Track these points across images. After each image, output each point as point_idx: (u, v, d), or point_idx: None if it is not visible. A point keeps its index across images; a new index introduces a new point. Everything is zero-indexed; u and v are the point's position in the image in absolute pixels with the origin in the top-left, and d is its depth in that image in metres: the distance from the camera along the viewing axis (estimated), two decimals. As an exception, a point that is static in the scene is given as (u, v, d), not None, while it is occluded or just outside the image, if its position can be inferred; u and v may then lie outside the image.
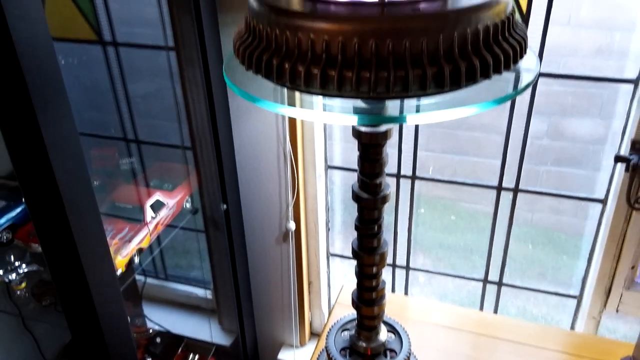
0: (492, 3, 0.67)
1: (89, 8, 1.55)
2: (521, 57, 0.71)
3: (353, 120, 0.70)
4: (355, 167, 0.90)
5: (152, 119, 1.72)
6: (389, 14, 0.65)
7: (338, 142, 1.68)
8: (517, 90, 0.73)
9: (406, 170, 1.56)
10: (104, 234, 1.02)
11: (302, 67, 0.66)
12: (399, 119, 0.72)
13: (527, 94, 1.36)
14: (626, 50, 1.66)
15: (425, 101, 0.69)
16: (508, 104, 1.40)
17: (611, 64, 1.82)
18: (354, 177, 1.58)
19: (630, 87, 1.25)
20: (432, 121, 0.68)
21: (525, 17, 1.23)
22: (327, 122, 1.50)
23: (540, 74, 1.28)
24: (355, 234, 0.98)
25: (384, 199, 0.93)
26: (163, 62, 1.53)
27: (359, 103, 0.74)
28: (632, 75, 1.25)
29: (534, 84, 1.17)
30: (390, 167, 1.55)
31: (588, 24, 1.75)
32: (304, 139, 1.51)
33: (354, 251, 0.98)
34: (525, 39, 0.73)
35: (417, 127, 1.46)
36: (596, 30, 1.80)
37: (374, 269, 0.98)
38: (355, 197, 0.93)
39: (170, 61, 1.50)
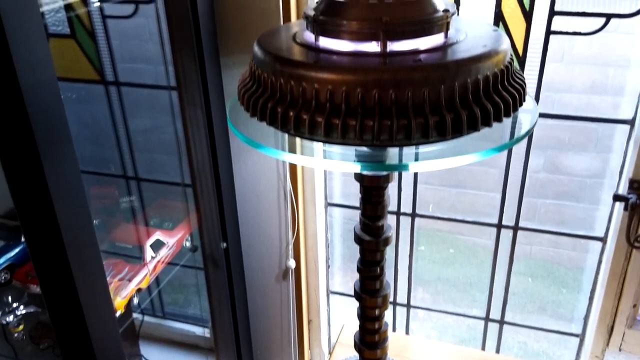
0: (492, 53, 0.69)
1: (91, 49, 1.57)
2: (520, 104, 0.73)
3: (355, 168, 0.71)
4: (355, 203, 0.91)
5: (152, 156, 1.73)
6: (391, 65, 0.66)
7: (338, 177, 1.69)
8: (517, 138, 0.74)
9: (406, 207, 1.56)
10: (105, 275, 1.01)
11: (306, 116, 0.67)
12: (401, 167, 0.73)
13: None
14: (620, 86, 1.69)
15: (427, 148, 0.70)
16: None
17: (606, 99, 1.85)
18: (353, 213, 1.58)
19: (627, 127, 1.27)
20: (434, 169, 0.69)
21: (522, 58, 1.25)
22: (330, 169, 1.51)
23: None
24: (356, 272, 0.98)
25: (386, 241, 0.93)
26: (165, 101, 1.55)
27: (361, 148, 0.75)
28: (628, 114, 1.27)
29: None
30: (390, 204, 1.56)
31: (582, 60, 1.79)
32: (304, 176, 1.52)
33: (356, 293, 0.98)
34: (524, 86, 0.74)
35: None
36: (590, 67, 1.83)
37: (377, 311, 0.98)
38: (358, 239, 0.93)
39: (172, 100, 1.52)
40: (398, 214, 1.57)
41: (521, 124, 0.80)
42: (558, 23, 1.20)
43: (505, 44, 0.73)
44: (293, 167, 1.48)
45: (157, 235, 1.34)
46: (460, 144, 0.70)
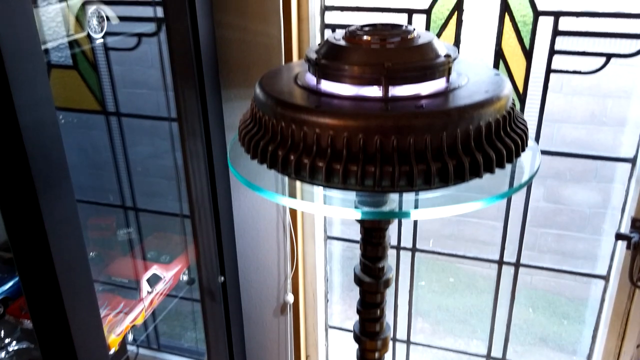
0: (494, 99, 0.69)
1: (94, 80, 1.58)
2: (523, 149, 0.72)
3: (356, 215, 0.70)
4: (355, 236, 0.90)
5: (151, 187, 1.73)
6: (393, 111, 0.66)
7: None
8: (519, 185, 0.73)
9: (406, 241, 1.55)
10: (99, 313, 1.00)
11: (307, 160, 0.67)
12: (402, 215, 0.72)
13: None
14: (620, 118, 1.69)
15: (428, 194, 0.69)
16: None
17: (605, 130, 1.85)
18: (352, 247, 1.57)
19: (628, 165, 1.27)
20: (436, 217, 0.68)
21: (522, 95, 1.26)
22: (330, 215, 1.50)
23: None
24: (356, 303, 0.96)
25: (387, 283, 0.91)
26: (165, 132, 1.54)
27: (362, 194, 0.74)
28: (629, 151, 1.26)
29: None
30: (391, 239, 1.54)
31: (581, 91, 1.79)
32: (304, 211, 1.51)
33: (355, 335, 0.96)
34: (526, 132, 0.74)
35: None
36: (589, 98, 1.84)
37: (376, 354, 0.96)
38: (358, 281, 0.92)
39: (172, 131, 1.52)
40: (398, 248, 1.55)
41: (523, 167, 0.79)
42: (558, 61, 1.21)
43: (507, 89, 0.73)
44: (293, 201, 1.47)
45: (154, 269, 1.32)
46: (461, 190, 0.69)
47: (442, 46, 0.75)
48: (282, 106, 0.70)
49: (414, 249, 1.54)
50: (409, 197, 0.72)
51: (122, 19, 1.49)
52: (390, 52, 0.71)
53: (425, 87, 0.72)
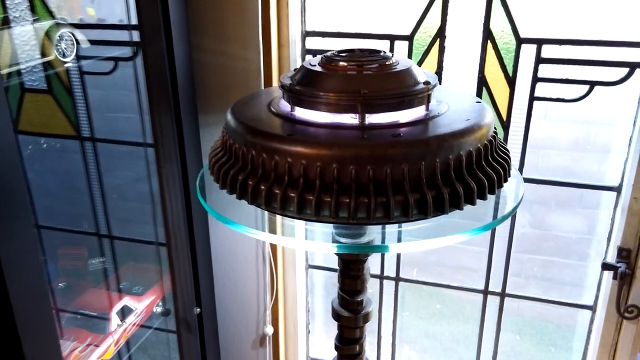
0: (475, 128, 0.66)
1: (68, 104, 1.54)
2: (505, 180, 0.69)
3: (332, 250, 0.66)
4: (337, 266, 0.85)
5: (126, 214, 1.67)
6: (369, 140, 0.62)
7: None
8: (503, 216, 0.70)
9: (389, 270, 1.51)
10: (59, 348, 0.94)
11: (278, 190, 0.63)
12: (381, 249, 0.68)
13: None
14: (605, 145, 1.68)
15: (408, 227, 0.65)
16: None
17: (590, 157, 1.84)
18: (336, 275, 1.52)
19: (613, 194, 1.25)
20: (417, 250, 0.65)
21: (506, 123, 1.24)
22: (304, 249, 1.46)
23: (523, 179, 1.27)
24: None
25: (366, 317, 0.87)
26: (141, 158, 1.50)
27: (341, 227, 0.70)
28: (614, 180, 1.24)
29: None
30: (372, 267, 1.51)
31: (564, 118, 1.78)
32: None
33: (333, 374, 0.91)
34: (508, 161, 0.71)
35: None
36: (573, 124, 1.83)
37: (355, 393, 0.91)
38: (335, 315, 0.87)
39: (147, 157, 1.48)
40: (381, 277, 1.51)
41: (506, 197, 0.76)
42: (542, 89, 1.19)
43: (489, 117, 0.70)
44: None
45: (126, 301, 1.27)
46: (442, 222, 0.66)
47: (422, 73, 0.72)
48: (253, 134, 0.66)
49: (397, 278, 1.50)
50: (390, 229, 0.68)
51: (98, 42, 1.46)
52: (367, 79, 0.68)
53: (404, 115, 0.69)
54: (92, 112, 1.54)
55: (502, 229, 1.39)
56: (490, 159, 0.68)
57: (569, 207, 2.11)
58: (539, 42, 1.16)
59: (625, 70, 1.12)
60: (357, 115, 0.66)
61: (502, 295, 1.43)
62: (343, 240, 0.81)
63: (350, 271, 0.83)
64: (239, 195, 0.66)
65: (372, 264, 1.52)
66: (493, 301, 1.46)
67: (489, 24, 1.17)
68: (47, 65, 1.34)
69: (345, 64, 0.70)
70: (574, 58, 1.15)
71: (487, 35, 1.18)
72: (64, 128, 1.57)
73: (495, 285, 1.43)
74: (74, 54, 1.16)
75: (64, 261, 1.38)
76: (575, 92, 1.18)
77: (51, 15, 1.24)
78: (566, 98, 1.19)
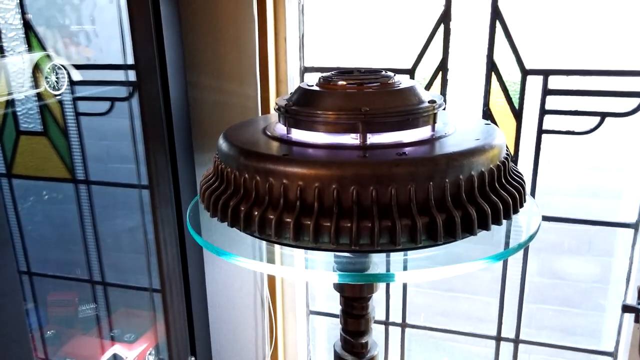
0: (486, 147, 0.61)
1: (64, 146, 1.50)
2: (521, 205, 0.63)
3: (332, 278, 0.60)
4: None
5: (121, 260, 1.61)
6: (371, 158, 0.57)
7: (320, 284, 1.56)
8: (522, 243, 0.64)
9: (395, 316, 1.42)
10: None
11: (273, 215, 0.57)
12: (386, 278, 0.62)
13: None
14: (613, 189, 1.62)
15: (415, 255, 0.59)
16: (500, 235, 1.32)
17: (596, 202, 1.78)
18: (338, 322, 1.44)
19: (629, 231, 1.18)
20: (426, 279, 0.58)
21: (513, 158, 1.19)
22: (303, 279, 1.39)
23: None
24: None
25: (371, 362, 0.79)
26: (135, 201, 1.45)
27: (340, 257, 0.64)
28: (630, 217, 1.18)
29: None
30: (377, 313, 1.42)
31: (571, 162, 1.73)
32: (283, 281, 1.39)
33: None
34: (523, 185, 0.65)
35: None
36: (580, 169, 1.78)
37: None
38: (338, 359, 0.80)
39: (142, 200, 1.43)
40: (387, 323, 1.42)
41: (521, 225, 0.71)
42: (550, 122, 1.15)
43: (500, 138, 0.65)
44: (272, 272, 1.36)
45: (116, 349, 1.19)
46: (450, 251, 0.60)
47: (426, 93, 0.68)
48: (246, 156, 0.61)
49: (403, 324, 1.41)
50: (395, 257, 0.62)
51: (94, 83, 1.44)
52: (368, 96, 0.64)
53: (408, 135, 0.64)
54: (86, 154, 1.50)
55: (513, 275, 1.32)
56: (503, 181, 0.63)
57: (578, 254, 2.04)
58: (546, 73, 1.12)
59: (637, 101, 1.08)
60: (358, 135, 0.62)
61: (516, 341, 1.34)
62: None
63: (354, 310, 0.76)
64: (230, 222, 0.61)
65: (377, 310, 1.44)
66: (506, 349, 1.36)
67: (492, 56, 1.14)
68: (39, 98, 1.31)
69: (344, 82, 0.66)
70: (583, 89, 1.11)
71: (491, 66, 1.15)
72: (59, 171, 1.53)
73: (507, 333, 1.35)
74: (64, 87, 1.13)
75: (52, 308, 1.31)
76: (586, 124, 1.13)
77: (43, 48, 1.22)
78: (576, 130, 1.15)
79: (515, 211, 0.62)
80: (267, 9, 1.17)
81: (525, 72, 1.13)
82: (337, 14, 1.27)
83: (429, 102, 0.65)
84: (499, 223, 0.59)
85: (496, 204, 0.59)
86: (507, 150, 0.67)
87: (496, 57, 1.14)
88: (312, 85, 0.68)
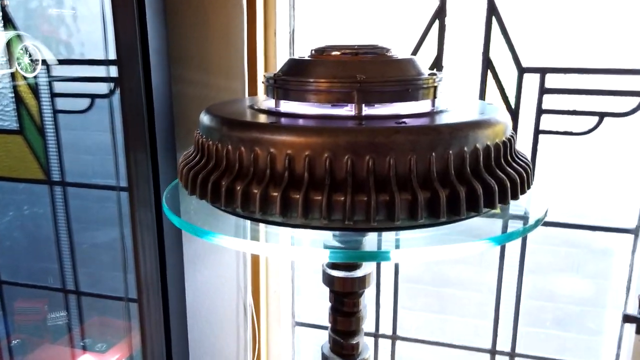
0: (492, 121, 0.56)
1: (39, 145, 1.43)
2: (529, 186, 0.58)
3: (323, 255, 0.53)
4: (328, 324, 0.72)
5: (96, 266, 1.52)
6: (368, 126, 0.52)
7: (309, 291, 1.49)
8: (526, 228, 0.58)
9: (385, 328, 1.36)
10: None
11: (257, 189, 0.51)
12: (381, 256, 0.56)
13: (517, 246, 1.23)
14: (613, 194, 1.58)
15: (409, 234, 0.54)
16: (496, 257, 1.27)
17: (594, 206, 1.73)
18: (326, 335, 1.37)
19: (629, 237, 1.14)
20: (424, 259, 0.53)
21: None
22: (287, 257, 1.30)
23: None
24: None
25: (362, 366, 0.73)
26: (113, 204, 1.38)
27: (331, 238, 0.58)
28: (630, 223, 1.14)
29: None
30: (366, 324, 1.35)
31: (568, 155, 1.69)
32: (268, 290, 1.32)
33: None
34: (530, 165, 0.60)
35: (396, 279, 1.30)
36: (574, 172, 1.73)
37: None
38: (326, 363, 0.73)
39: (120, 202, 1.36)
40: (376, 335, 1.35)
41: (527, 213, 0.65)
42: (547, 122, 1.11)
43: (506, 117, 0.60)
44: (255, 280, 1.29)
45: (85, 358, 1.10)
46: (447, 235, 0.54)
47: (426, 67, 0.63)
48: (229, 125, 0.56)
49: (394, 337, 1.34)
50: (388, 240, 0.56)
51: (74, 80, 1.38)
52: (364, 65, 0.59)
53: (407, 108, 0.59)
54: (63, 153, 1.43)
55: (504, 294, 1.27)
56: (510, 159, 0.57)
57: (564, 275, 1.99)
58: (543, 71, 1.09)
59: (637, 100, 1.05)
60: (353, 105, 0.56)
61: (512, 355, 1.28)
62: (335, 273, 0.69)
63: (344, 306, 0.69)
64: (210, 198, 0.54)
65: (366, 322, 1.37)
66: (502, 363, 1.30)
67: (488, 53, 1.10)
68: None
69: (338, 52, 0.61)
70: (581, 88, 1.08)
71: (487, 64, 1.11)
72: (34, 172, 1.46)
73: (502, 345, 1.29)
74: (37, 70, 1.07)
75: (19, 316, 1.22)
76: (584, 124, 1.10)
77: (14, 27, 1.16)
78: (574, 131, 1.11)
79: (523, 191, 0.56)
80: (256, 1, 1.13)
81: (521, 70, 1.10)
82: (329, 8, 1.23)
83: (429, 74, 0.60)
84: (506, 202, 0.54)
85: (503, 181, 0.53)
86: (512, 131, 0.62)
87: (492, 55, 1.10)
88: (304, 57, 0.63)
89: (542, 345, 1.89)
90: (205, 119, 0.60)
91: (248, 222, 0.55)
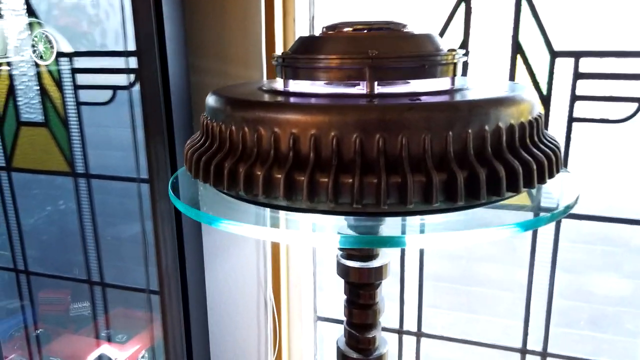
0: (516, 99, 0.51)
1: (64, 138, 1.44)
2: (557, 170, 0.53)
3: (333, 239, 0.50)
4: None
5: (120, 257, 1.53)
6: (379, 103, 0.48)
7: (331, 284, 1.46)
8: (555, 213, 0.54)
9: (410, 324, 1.32)
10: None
11: (260, 171, 0.48)
12: (394, 242, 0.52)
13: (549, 242, 1.17)
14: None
15: (430, 219, 0.50)
16: (524, 252, 1.21)
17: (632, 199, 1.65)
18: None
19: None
20: (443, 244, 0.49)
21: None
22: (295, 243, 1.26)
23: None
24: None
25: (380, 362, 0.69)
26: (133, 198, 1.38)
27: (344, 224, 0.54)
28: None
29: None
30: (390, 320, 1.32)
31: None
32: (289, 283, 1.29)
33: None
34: (559, 148, 0.55)
35: (421, 273, 1.25)
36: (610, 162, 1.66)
37: None
38: (342, 357, 0.70)
39: (141, 195, 1.35)
40: (400, 332, 1.31)
41: (557, 200, 0.60)
42: (581, 108, 1.05)
43: (533, 95, 0.56)
44: (276, 273, 1.27)
45: (104, 348, 1.10)
46: (469, 221, 0.50)
47: (445, 43, 0.59)
48: (233, 105, 0.53)
49: (419, 334, 1.30)
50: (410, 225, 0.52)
51: (94, 71, 1.38)
52: (377, 40, 0.55)
53: (423, 86, 0.55)
54: (86, 146, 1.43)
55: (534, 292, 1.21)
56: (536, 140, 0.53)
57: (598, 274, 1.90)
58: (577, 55, 1.02)
59: (679, 84, 0.98)
60: (365, 83, 0.53)
61: (544, 355, 1.22)
62: (350, 263, 0.65)
63: (360, 298, 0.66)
64: (213, 181, 0.52)
65: (389, 316, 1.33)
66: (532, 363, 1.24)
67: (517, 36, 1.05)
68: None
69: (350, 29, 0.57)
70: (618, 72, 1.01)
71: (517, 48, 1.05)
72: (59, 164, 1.47)
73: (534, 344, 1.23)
74: (53, 57, 1.06)
75: (43, 306, 1.23)
76: (621, 111, 1.03)
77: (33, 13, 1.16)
78: (610, 118, 1.04)
79: (551, 174, 0.52)
80: (275, -12, 1.10)
81: (554, 54, 1.04)
82: (350, -7, 1.20)
83: (448, 50, 0.56)
84: (531, 185, 0.49)
85: (528, 163, 0.49)
86: (539, 111, 0.57)
87: (522, 38, 1.05)
88: (314, 35, 0.59)
89: (576, 346, 1.82)
90: (210, 100, 0.58)
91: (253, 206, 0.52)
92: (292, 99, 0.52)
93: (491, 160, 0.47)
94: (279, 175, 0.47)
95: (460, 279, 1.93)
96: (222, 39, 1.14)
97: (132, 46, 1.23)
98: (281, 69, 0.58)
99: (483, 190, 0.46)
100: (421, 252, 1.24)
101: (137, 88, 1.29)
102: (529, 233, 1.17)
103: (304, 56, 0.55)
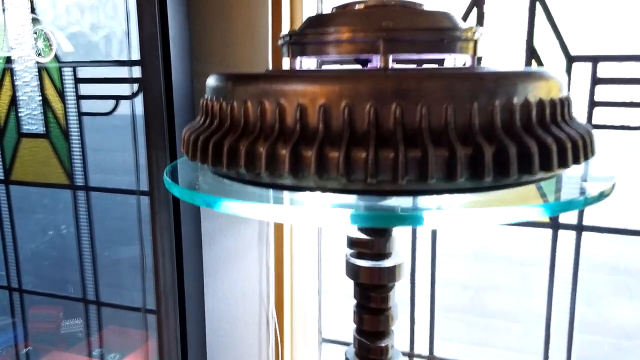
0: (545, 74, 0.47)
1: (64, 150, 1.40)
2: (592, 152, 0.49)
3: (342, 216, 0.44)
4: None
5: (117, 274, 1.47)
6: (395, 71, 0.44)
7: (336, 304, 1.39)
8: (588, 198, 0.48)
9: (421, 347, 1.24)
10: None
11: (262, 148, 0.43)
12: (413, 219, 0.47)
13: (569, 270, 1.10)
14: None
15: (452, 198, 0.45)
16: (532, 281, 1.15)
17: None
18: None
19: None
20: (464, 224, 0.44)
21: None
22: (299, 222, 1.16)
23: (585, 227, 1.04)
24: None
25: (392, 375, 0.63)
26: (133, 208, 1.33)
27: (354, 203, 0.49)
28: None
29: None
30: (400, 343, 1.24)
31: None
32: (292, 302, 1.23)
33: None
34: (591, 132, 0.51)
35: (433, 289, 1.19)
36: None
37: None
38: (350, 371, 0.64)
39: (140, 207, 1.31)
40: (411, 355, 1.24)
41: (584, 190, 0.55)
42: (600, 115, 1.00)
43: (563, 76, 0.51)
44: (279, 291, 1.21)
45: (95, 368, 1.03)
46: (492, 201, 0.45)
47: (462, 22, 0.55)
48: (235, 80, 0.48)
49: (430, 358, 1.23)
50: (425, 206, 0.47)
51: (96, 80, 1.35)
52: (392, 14, 0.51)
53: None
54: (87, 157, 1.39)
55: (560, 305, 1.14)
56: (568, 119, 0.48)
57: (621, 297, 1.84)
58: (595, 60, 0.98)
59: (703, 89, 0.94)
60: (379, 57, 0.48)
61: (564, 376, 1.15)
62: (360, 262, 0.60)
63: (370, 302, 0.60)
64: (211, 161, 0.47)
65: (399, 339, 1.27)
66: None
67: (532, 41, 1.01)
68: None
69: (362, 6, 0.53)
70: (638, 77, 0.97)
71: (531, 54, 1.01)
72: (57, 176, 1.43)
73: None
74: (53, 54, 1.03)
75: (33, 323, 1.17)
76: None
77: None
78: (631, 125, 0.99)
79: (586, 156, 0.47)
80: (282, -7, 1.07)
81: (570, 59, 1.00)
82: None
83: (467, 28, 0.52)
84: (565, 165, 0.44)
85: (562, 140, 0.44)
86: (568, 95, 0.53)
87: (536, 43, 1.01)
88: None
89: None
90: (211, 80, 0.54)
91: (256, 189, 0.47)
92: (298, 71, 0.48)
93: (521, 135, 0.43)
94: (284, 151, 0.43)
95: (472, 310, 1.86)
96: (227, 46, 1.11)
97: (136, 55, 1.20)
98: (287, 47, 0.54)
99: (513, 167, 0.41)
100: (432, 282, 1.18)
101: (139, 99, 1.26)
102: (538, 258, 1.11)
103: (312, 30, 0.51)
